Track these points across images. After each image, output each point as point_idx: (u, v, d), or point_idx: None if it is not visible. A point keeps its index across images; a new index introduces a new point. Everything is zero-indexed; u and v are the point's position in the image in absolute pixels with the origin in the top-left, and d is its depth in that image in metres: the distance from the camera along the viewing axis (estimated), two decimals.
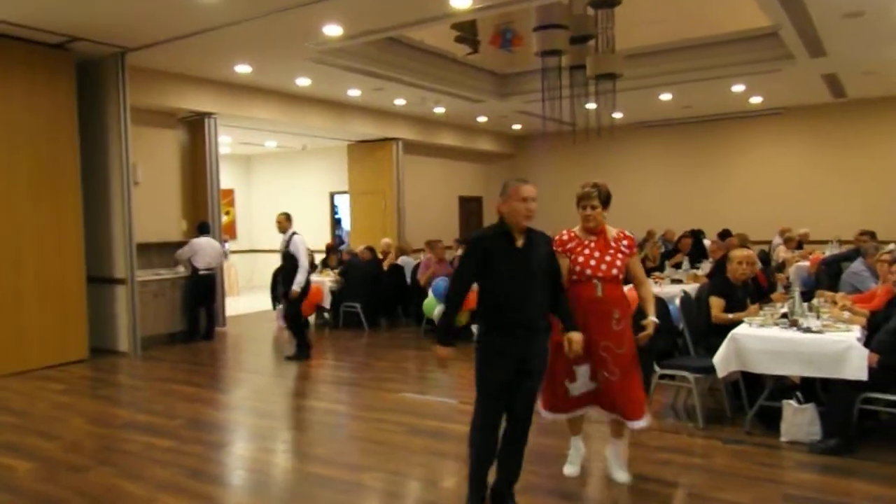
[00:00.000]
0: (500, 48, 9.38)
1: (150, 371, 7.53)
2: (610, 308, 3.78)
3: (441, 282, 8.55)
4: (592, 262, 3.80)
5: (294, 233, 7.73)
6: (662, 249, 10.67)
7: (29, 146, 7.48)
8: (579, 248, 3.86)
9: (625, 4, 7.47)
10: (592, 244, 3.86)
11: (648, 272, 8.36)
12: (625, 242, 3.90)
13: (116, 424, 5.55)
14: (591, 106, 9.18)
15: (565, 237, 3.91)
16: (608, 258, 3.82)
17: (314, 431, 5.39)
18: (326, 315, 10.38)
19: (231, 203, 15.33)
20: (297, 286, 7.61)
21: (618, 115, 12.71)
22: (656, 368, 5.14)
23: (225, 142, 12.63)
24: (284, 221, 7.78)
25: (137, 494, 4.04)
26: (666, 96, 11.87)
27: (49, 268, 7.63)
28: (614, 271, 3.81)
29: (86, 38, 7.52)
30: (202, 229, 9.37)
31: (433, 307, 8.61)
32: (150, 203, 9.03)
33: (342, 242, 11.23)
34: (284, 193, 15.41)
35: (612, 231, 3.92)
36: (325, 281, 10.00)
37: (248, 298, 13.27)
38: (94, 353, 8.09)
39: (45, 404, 6.12)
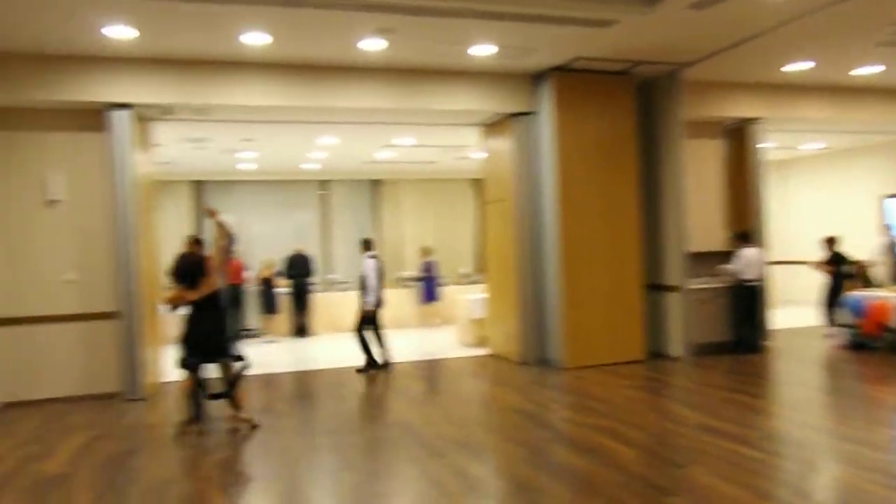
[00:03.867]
0: None
1: (703, 377, 7.61)
2: None
3: None
4: None
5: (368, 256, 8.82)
6: None
7: (597, 165, 8.42)
8: None
9: None
10: None
11: None
12: None
13: (689, 425, 5.71)
14: None
15: None
16: None
17: None
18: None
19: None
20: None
21: None
22: None
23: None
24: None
25: (745, 500, 4.02)
26: None
27: (613, 274, 8.44)
28: None
29: (646, 62, 8.10)
30: (745, 238, 9.11)
31: None
32: (694, 213, 9.19)
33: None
34: (825, 199, 14.01)
35: None
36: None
37: (787, 312, 12.43)
38: (649, 355, 8.62)
39: (620, 397, 6.72)
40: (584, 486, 4.33)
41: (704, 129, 9.61)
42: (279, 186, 14.62)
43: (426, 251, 13.09)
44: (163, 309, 6.42)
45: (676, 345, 8.65)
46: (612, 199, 8.49)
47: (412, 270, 14.69)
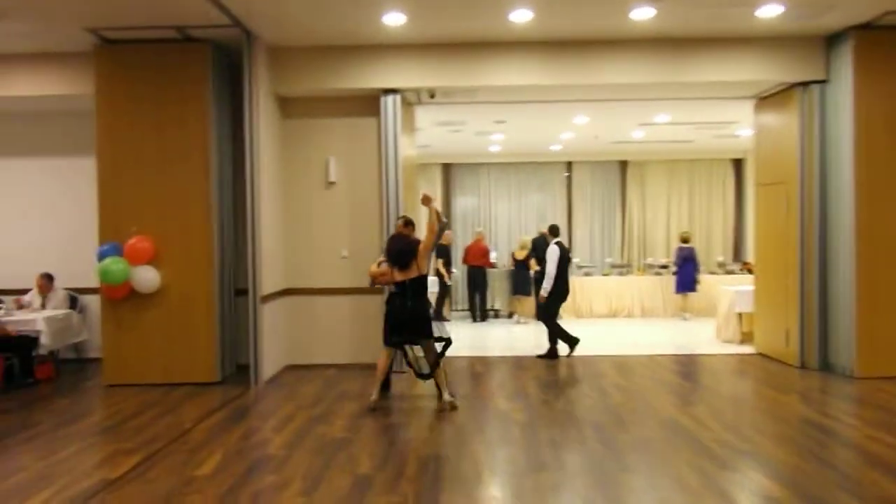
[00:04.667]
0: None
1: None
2: None
3: None
4: None
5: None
6: None
7: None
8: None
9: None
10: None
11: None
12: None
13: None
14: None
15: None
16: None
17: None
18: None
19: None
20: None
21: None
22: None
23: None
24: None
25: None
26: None
27: None
28: None
29: None
30: None
31: None
32: None
33: None
34: None
35: None
36: None
37: None
38: None
39: None
40: None
41: None
42: (522, 168, 14.57)
43: (684, 237, 12.11)
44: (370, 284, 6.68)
45: None
46: None
47: (659, 257, 13.89)
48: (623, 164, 14.47)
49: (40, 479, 4.46)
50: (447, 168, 14.54)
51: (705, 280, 12.16)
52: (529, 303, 12.27)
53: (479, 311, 12.37)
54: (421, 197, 6.46)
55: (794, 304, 7.66)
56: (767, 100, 8.32)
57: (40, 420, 5.97)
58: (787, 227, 7.82)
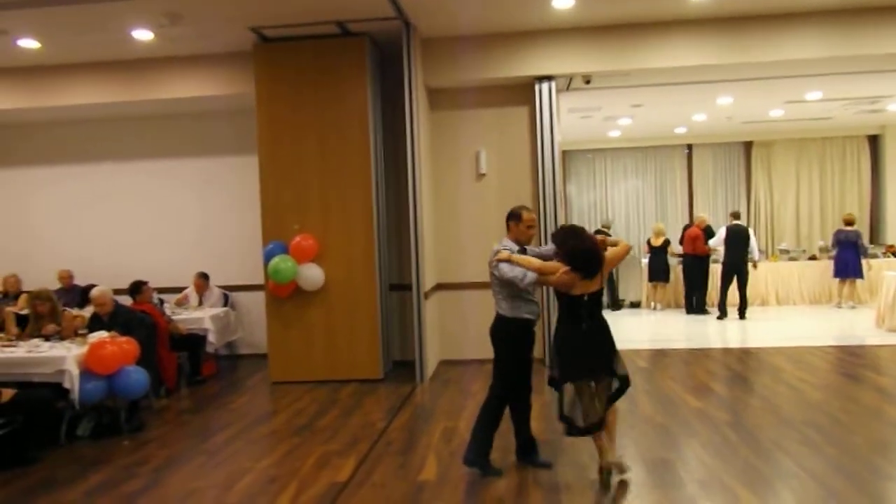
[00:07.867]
0: None
1: None
2: None
3: None
4: None
5: None
6: None
7: None
8: None
9: None
10: None
11: None
12: None
13: None
14: None
15: None
16: None
17: None
18: None
19: None
20: None
21: None
22: None
23: None
24: None
25: None
26: None
27: None
28: None
29: None
30: None
31: None
32: None
33: None
34: None
35: None
36: None
37: None
38: None
39: None
40: None
41: None
42: (639, 153, 14.04)
43: (848, 219, 11.23)
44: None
45: None
46: None
47: (789, 242, 13.24)
48: (748, 145, 13.73)
49: (270, 481, 4.45)
50: (563, 155, 14.15)
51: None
52: (666, 290, 11.85)
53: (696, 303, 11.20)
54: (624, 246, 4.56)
55: None
56: None
57: (230, 420, 6.03)
58: None
